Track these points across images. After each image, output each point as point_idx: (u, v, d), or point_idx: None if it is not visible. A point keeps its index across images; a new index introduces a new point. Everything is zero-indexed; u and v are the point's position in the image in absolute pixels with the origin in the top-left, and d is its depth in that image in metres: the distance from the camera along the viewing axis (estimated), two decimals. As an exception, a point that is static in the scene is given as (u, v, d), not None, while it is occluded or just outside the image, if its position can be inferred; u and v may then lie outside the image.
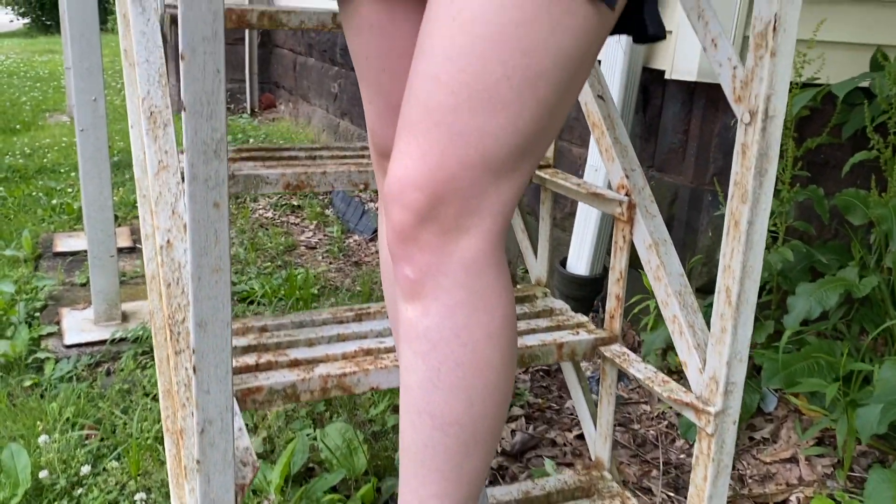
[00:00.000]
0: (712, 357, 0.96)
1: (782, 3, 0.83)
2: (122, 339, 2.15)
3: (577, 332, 1.15)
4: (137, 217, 3.48)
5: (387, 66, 0.80)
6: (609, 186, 1.27)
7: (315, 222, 3.48)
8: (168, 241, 0.86)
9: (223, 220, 0.68)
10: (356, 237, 3.31)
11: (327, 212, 3.60)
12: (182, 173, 1.10)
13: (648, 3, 0.75)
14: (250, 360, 1.02)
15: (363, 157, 1.26)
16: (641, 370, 1.08)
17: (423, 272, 0.69)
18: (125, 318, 2.32)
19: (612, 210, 1.11)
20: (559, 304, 1.30)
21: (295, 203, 3.65)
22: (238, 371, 0.99)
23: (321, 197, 3.79)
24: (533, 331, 1.15)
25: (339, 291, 2.71)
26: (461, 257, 0.69)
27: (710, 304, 2.01)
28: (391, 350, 1.06)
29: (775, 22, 0.83)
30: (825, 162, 2.11)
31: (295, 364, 1.01)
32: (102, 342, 2.14)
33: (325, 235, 3.36)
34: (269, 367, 1.01)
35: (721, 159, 2.14)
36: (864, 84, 1.88)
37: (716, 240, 2.20)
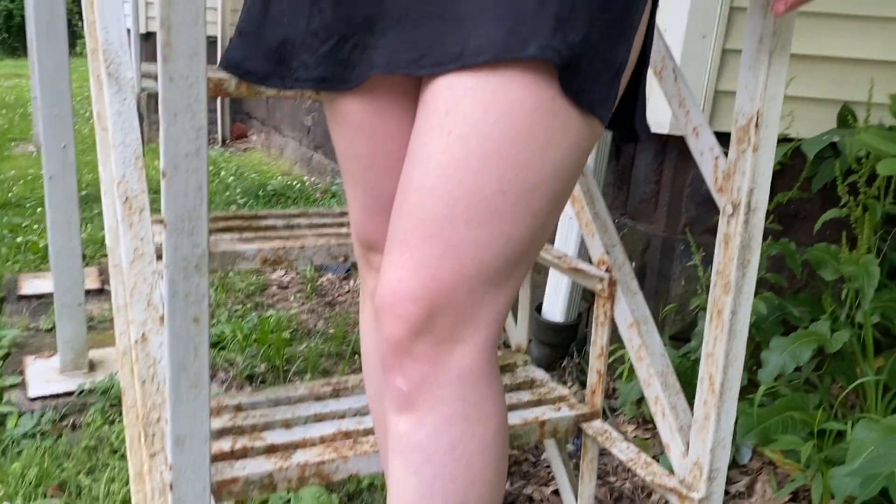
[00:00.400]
0: (696, 443, 0.95)
1: (764, 100, 0.83)
2: (89, 391, 2.09)
3: (559, 408, 1.15)
4: (106, 256, 3.42)
5: (374, 165, 0.79)
6: (583, 250, 1.27)
7: (287, 260, 3.43)
8: (143, 335, 0.84)
9: (203, 334, 0.66)
10: (329, 276, 3.28)
11: (300, 249, 3.55)
12: (159, 250, 1.07)
13: (639, 115, 0.75)
14: (226, 445, 0.99)
15: (343, 224, 1.25)
16: (624, 450, 1.08)
17: (418, 384, 0.68)
18: (92, 366, 2.26)
19: (592, 285, 1.11)
20: (539, 373, 1.29)
21: (267, 240, 3.61)
22: (213, 459, 0.96)
23: (293, 233, 3.75)
24: (514, 406, 1.14)
25: (312, 335, 2.68)
26: (457, 368, 0.68)
27: (685, 354, 2.02)
28: (370, 432, 1.05)
29: (757, 118, 0.84)
30: (795, 213, 2.15)
31: (272, 450, 0.99)
32: (69, 394, 2.09)
33: (297, 274, 3.32)
34: (245, 453, 0.98)
35: (693, 209, 2.16)
36: (834, 139, 1.92)
37: (688, 289, 2.22)
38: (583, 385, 2.20)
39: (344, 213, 1.31)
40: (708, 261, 2.12)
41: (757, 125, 0.84)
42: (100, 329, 2.59)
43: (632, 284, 1.09)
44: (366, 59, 0.71)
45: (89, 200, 3.97)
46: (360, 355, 2.58)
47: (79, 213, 2.15)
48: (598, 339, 1.13)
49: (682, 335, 2.23)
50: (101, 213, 3.96)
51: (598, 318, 1.12)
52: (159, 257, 1.12)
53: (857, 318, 1.81)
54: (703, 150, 0.92)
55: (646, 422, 2.12)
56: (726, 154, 0.93)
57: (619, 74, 0.67)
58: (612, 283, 1.08)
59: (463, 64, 0.64)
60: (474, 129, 0.64)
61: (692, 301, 2.12)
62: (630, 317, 1.07)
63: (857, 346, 1.82)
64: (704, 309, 2.04)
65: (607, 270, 1.09)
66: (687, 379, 2.04)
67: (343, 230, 1.21)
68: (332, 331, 2.71)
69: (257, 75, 0.76)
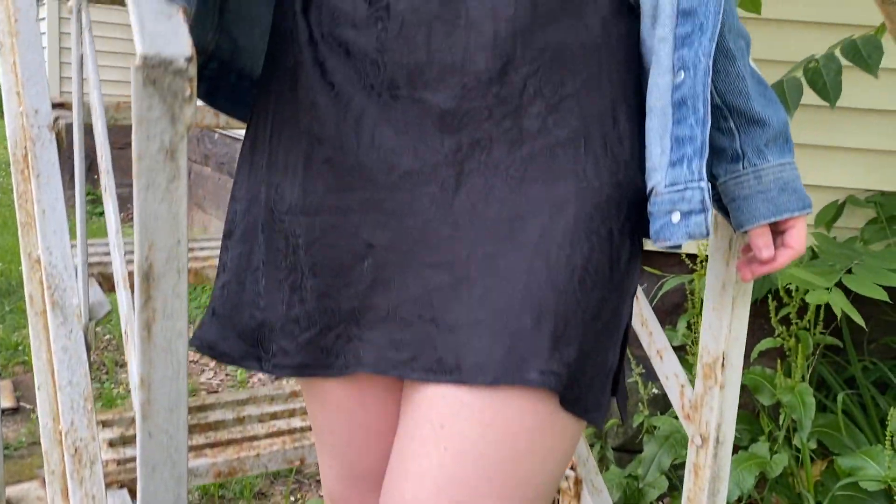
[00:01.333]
0: None
1: (728, 342, 0.85)
2: (8, 543, 1.95)
3: None
4: (20, 363, 3.23)
5: (352, 441, 0.77)
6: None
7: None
8: None
9: None
10: (260, 376, 3.19)
11: (229, 346, 3.44)
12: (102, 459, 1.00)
13: (620, 397, 0.74)
14: None
15: (294, 413, 1.20)
16: None
17: None
18: (10, 508, 2.11)
19: (556, 480, 1.10)
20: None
21: (194, 336, 3.48)
22: None
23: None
24: None
25: (247, 451, 2.57)
26: None
27: (630, 475, 2.04)
28: None
29: (723, 359, 0.85)
30: (728, 327, 2.21)
31: None
32: (-16, 547, 1.93)
33: (227, 375, 3.21)
34: None
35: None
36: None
37: (630, 402, 2.25)
38: None
39: (294, 395, 1.27)
40: (647, 376, 2.16)
41: (723, 365, 0.86)
42: (16, 458, 2.43)
43: (596, 481, 1.09)
44: (350, 350, 0.69)
45: (-1, 295, 3.76)
46: (299, 473, 2.50)
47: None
48: (565, 536, 1.12)
49: (624, 447, 2.26)
50: (11, 311, 3.74)
51: (563, 515, 1.11)
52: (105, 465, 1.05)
53: (796, 442, 1.87)
54: (668, 374, 0.93)
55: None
56: (689, 377, 0.94)
57: (611, 376, 0.68)
58: (578, 482, 1.07)
59: (459, 379, 0.62)
60: (472, 448, 0.62)
61: (635, 418, 2.15)
62: (596, 518, 1.06)
63: (795, 467, 1.88)
64: (648, 431, 2.08)
65: (572, 468, 1.08)
66: (634, 500, 2.06)
67: (294, 421, 1.17)
68: (268, 444, 2.61)
69: (232, 357, 0.72)
